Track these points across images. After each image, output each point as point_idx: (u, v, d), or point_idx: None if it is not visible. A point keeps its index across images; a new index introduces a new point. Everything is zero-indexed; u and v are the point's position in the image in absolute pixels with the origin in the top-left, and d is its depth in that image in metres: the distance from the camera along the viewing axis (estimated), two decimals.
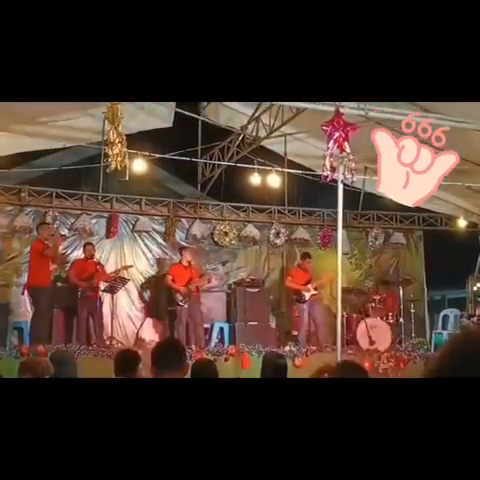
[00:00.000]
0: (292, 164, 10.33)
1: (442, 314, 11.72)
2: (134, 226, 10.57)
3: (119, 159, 6.65)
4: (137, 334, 10.12)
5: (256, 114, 8.74)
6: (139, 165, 8.33)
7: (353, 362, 3.73)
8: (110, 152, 6.68)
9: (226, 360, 8.32)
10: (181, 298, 9.33)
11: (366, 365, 7.25)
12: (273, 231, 11.20)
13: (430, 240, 12.12)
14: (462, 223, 11.25)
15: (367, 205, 11.32)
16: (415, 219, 11.95)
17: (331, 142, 6.02)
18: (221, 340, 9.96)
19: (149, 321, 10.23)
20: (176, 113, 9.36)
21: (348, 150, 6.01)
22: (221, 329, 10.16)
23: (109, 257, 10.32)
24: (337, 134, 6.00)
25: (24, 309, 9.41)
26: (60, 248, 9.31)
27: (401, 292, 10.85)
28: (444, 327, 11.35)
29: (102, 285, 9.45)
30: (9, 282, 9.65)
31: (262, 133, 8.87)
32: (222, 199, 11.19)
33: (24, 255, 9.52)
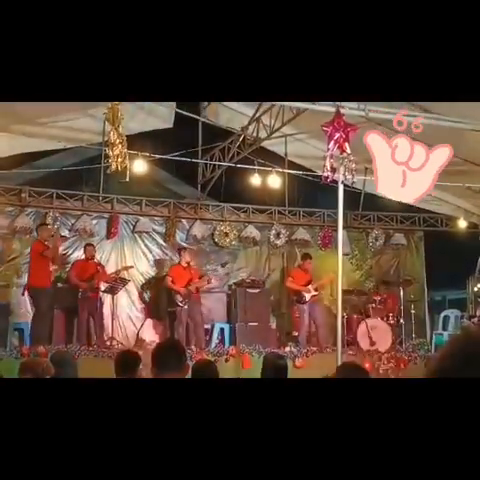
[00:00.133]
0: (292, 165, 10.32)
1: (443, 315, 11.70)
2: (134, 227, 10.57)
3: (119, 160, 6.65)
4: (137, 335, 10.13)
5: (257, 115, 8.73)
6: (139, 166, 8.32)
7: (354, 363, 3.74)
8: (110, 153, 6.68)
9: (226, 361, 8.32)
10: (181, 299, 9.34)
11: (367, 366, 7.22)
12: (273, 232, 11.19)
13: (431, 241, 12.12)
14: (462, 224, 11.25)
15: (367, 206, 11.30)
16: (415, 220, 11.95)
17: (331, 143, 6.02)
18: (221, 341, 9.96)
19: (149, 322, 10.24)
20: (176, 114, 9.34)
21: (348, 151, 6.00)
22: (221, 330, 10.16)
23: (109, 258, 10.32)
24: (337, 135, 5.99)
25: (24, 310, 9.41)
26: (60, 249, 9.31)
27: (402, 293, 10.86)
28: (445, 328, 11.33)
29: (102, 286, 9.46)
30: (9, 283, 9.65)
31: (262, 134, 8.86)
32: (222, 200, 11.19)
33: (24, 256, 9.52)
